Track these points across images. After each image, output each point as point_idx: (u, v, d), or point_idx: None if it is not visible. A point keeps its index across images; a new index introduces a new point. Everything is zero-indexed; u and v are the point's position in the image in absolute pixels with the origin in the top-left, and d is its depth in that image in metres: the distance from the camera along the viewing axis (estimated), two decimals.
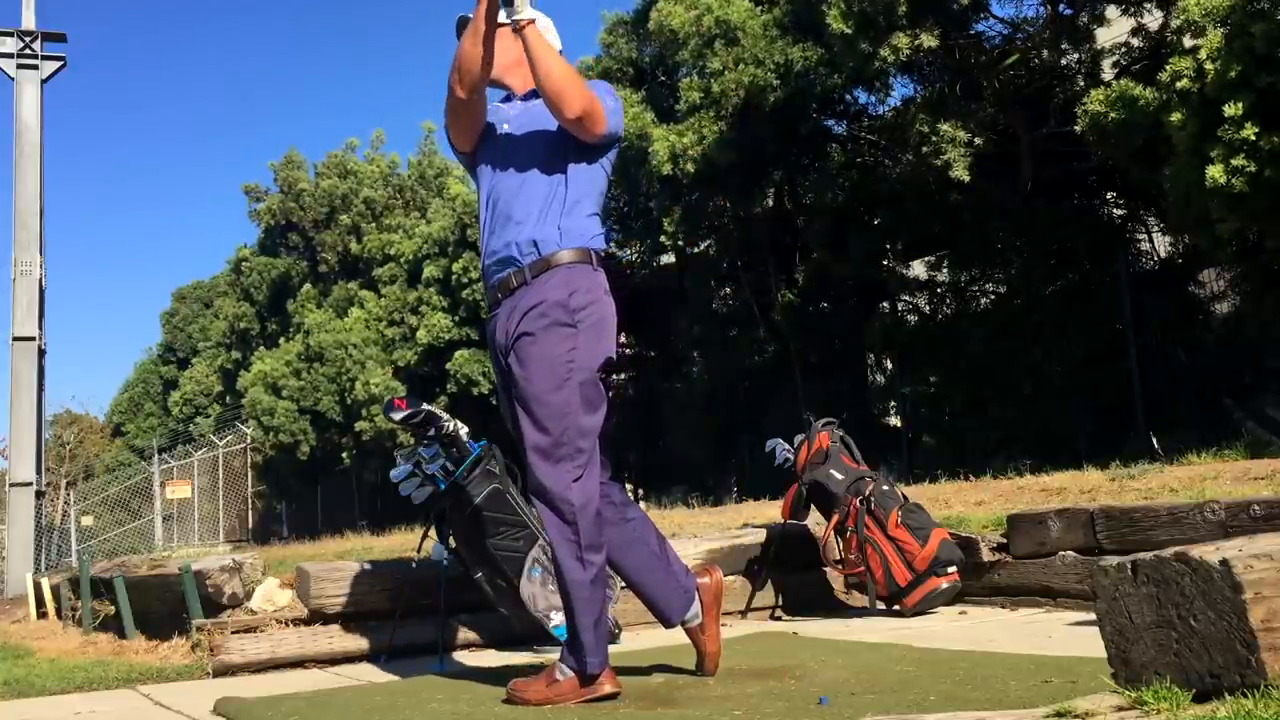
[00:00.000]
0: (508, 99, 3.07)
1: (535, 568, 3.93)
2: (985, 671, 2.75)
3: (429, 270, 16.97)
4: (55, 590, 6.12)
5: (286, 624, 4.17)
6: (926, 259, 12.80)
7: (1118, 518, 3.96)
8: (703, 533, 4.98)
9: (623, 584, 4.32)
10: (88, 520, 24.28)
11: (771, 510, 5.53)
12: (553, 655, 3.64)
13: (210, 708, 3.08)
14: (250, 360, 22.16)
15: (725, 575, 3.70)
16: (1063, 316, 10.21)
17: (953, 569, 4.28)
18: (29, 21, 11.33)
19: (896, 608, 4.30)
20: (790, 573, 4.76)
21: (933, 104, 10.21)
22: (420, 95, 69.27)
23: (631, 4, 13.51)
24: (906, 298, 13.10)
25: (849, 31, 9.32)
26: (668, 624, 3.01)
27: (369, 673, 3.74)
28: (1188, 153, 7.17)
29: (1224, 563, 1.60)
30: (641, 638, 4.09)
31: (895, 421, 13.37)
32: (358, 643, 4.08)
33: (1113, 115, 7.84)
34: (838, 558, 4.55)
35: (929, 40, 9.32)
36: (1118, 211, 11.55)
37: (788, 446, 4.83)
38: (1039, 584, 4.22)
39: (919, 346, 11.97)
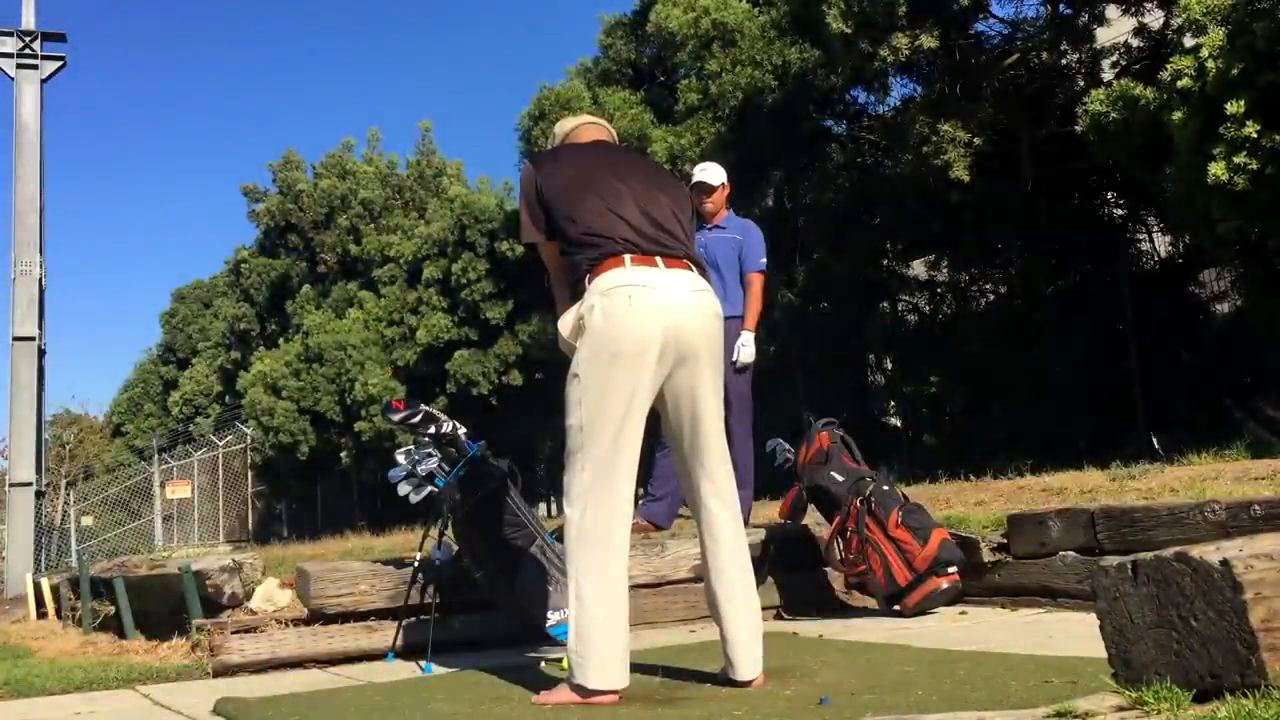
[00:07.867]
0: None
1: (533, 567, 3.92)
2: (985, 671, 2.75)
3: (428, 271, 16.99)
4: (55, 590, 6.12)
5: (286, 624, 4.16)
6: (926, 259, 12.78)
7: (1118, 518, 3.95)
8: None
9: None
10: (88, 520, 24.24)
11: (771, 510, 5.52)
12: (551, 655, 3.64)
13: (210, 708, 3.08)
14: (250, 360, 22.16)
15: None
16: (1063, 316, 10.20)
17: (953, 569, 4.27)
18: (29, 21, 11.31)
19: (896, 608, 4.30)
20: (790, 572, 4.75)
21: (932, 104, 10.20)
22: (419, 94, 69.26)
23: (630, 5, 13.49)
24: (906, 297, 13.09)
25: (848, 32, 9.30)
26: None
27: (369, 673, 3.74)
28: (1189, 151, 7.16)
29: (1224, 563, 1.59)
30: (642, 638, 4.08)
31: (895, 421, 13.36)
32: (358, 643, 4.08)
33: (1113, 115, 7.83)
34: (840, 559, 4.54)
35: (929, 41, 9.31)
36: (1118, 211, 11.54)
37: (788, 446, 4.82)
38: (1039, 584, 4.21)
39: (919, 346, 11.95)
